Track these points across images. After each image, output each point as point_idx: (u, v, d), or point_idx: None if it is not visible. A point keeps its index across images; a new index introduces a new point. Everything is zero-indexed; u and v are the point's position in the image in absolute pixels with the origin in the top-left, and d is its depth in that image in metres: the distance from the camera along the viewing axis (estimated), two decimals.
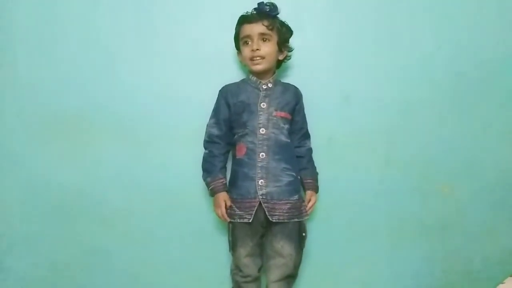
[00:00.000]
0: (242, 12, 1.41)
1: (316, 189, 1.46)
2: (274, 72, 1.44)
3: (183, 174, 1.52)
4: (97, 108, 1.52)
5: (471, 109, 1.59)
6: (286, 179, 1.36)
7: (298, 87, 1.47)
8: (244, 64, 1.46)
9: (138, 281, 1.56)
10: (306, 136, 1.48)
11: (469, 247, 1.60)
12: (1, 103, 1.52)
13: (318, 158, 1.51)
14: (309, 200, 1.43)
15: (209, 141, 1.43)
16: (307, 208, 1.41)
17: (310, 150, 1.49)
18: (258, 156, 1.35)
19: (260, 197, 1.33)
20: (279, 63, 1.46)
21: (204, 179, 1.41)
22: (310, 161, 1.48)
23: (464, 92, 1.58)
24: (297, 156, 1.46)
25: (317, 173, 1.49)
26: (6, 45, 1.51)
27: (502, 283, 1.61)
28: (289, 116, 1.41)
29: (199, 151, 1.45)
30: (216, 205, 1.38)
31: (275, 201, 1.34)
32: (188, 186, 1.51)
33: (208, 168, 1.41)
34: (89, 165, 1.53)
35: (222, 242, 1.48)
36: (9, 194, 1.53)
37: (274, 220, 1.34)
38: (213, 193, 1.39)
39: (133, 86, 1.53)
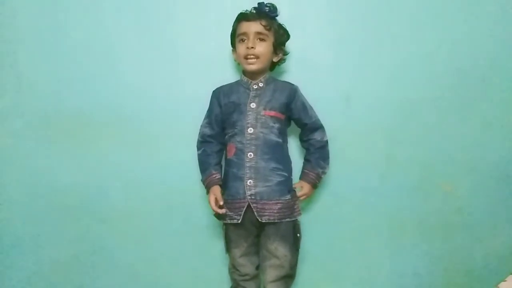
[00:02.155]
0: (242, 11, 1.41)
1: (311, 182, 1.42)
2: (266, 72, 1.43)
3: (184, 174, 1.53)
4: (99, 107, 1.54)
5: (472, 107, 1.56)
6: (276, 179, 1.35)
7: (298, 86, 1.44)
8: (238, 63, 1.45)
9: (139, 280, 1.58)
10: (313, 129, 1.44)
11: (470, 245, 1.59)
12: (3, 102, 1.54)
13: None
14: (301, 190, 1.41)
15: (202, 141, 1.44)
16: (298, 196, 1.39)
17: (318, 142, 1.43)
18: (246, 156, 1.35)
19: (249, 197, 1.33)
20: (272, 65, 1.44)
21: (201, 179, 1.42)
22: (315, 153, 1.43)
23: (465, 90, 1.56)
24: (305, 149, 1.46)
25: (320, 169, 1.43)
26: (8, 45, 1.53)
27: (504, 281, 1.59)
28: (280, 115, 1.39)
29: None
30: (208, 200, 1.37)
31: (265, 201, 1.33)
32: (189, 185, 1.52)
33: (204, 166, 1.42)
34: (91, 165, 1.55)
35: (221, 240, 1.47)
36: (11, 193, 1.55)
37: (263, 221, 1.33)
38: (208, 189, 1.39)
39: (135, 86, 1.54)
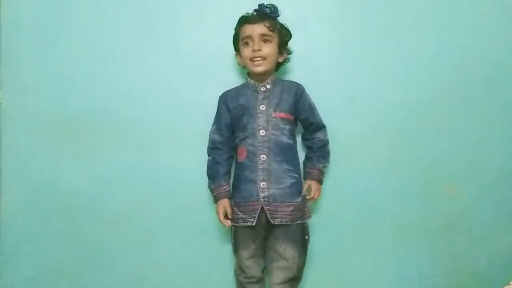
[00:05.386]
0: (244, 14, 1.41)
1: (316, 178, 1.43)
2: (272, 73, 1.43)
3: (187, 176, 1.53)
4: (101, 110, 1.54)
5: (475, 109, 1.58)
6: (288, 181, 1.35)
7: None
8: (242, 66, 1.46)
9: (142, 282, 1.56)
10: (317, 129, 1.45)
11: (474, 248, 1.59)
12: (6, 105, 1.53)
13: None
14: (310, 190, 1.42)
15: (212, 148, 1.44)
16: (310, 196, 1.41)
17: (320, 141, 1.45)
18: (259, 158, 1.35)
19: (262, 200, 1.33)
20: (278, 66, 1.45)
21: (209, 186, 1.43)
22: (317, 151, 1.44)
23: (467, 93, 1.57)
24: (307, 147, 1.47)
25: (322, 164, 1.44)
26: (11, 47, 1.53)
27: (508, 284, 1.59)
28: (290, 117, 1.40)
29: (202, 153, 1.46)
30: (216, 211, 1.39)
31: (278, 203, 1.33)
32: (192, 187, 1.52)
33: (212, 175, 1.42)
34: (94, 167, 1.54)
35: (225, 242, 1.48)
36: (14, 195, 1.54)
37: (276, 223, 1.33)
38: (216, 199, 1.40)
39: (137, 89, 1.54)
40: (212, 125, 1.45)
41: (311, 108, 1.44)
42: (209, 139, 1.44)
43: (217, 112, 1.45)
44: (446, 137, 1.57)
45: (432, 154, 1.57)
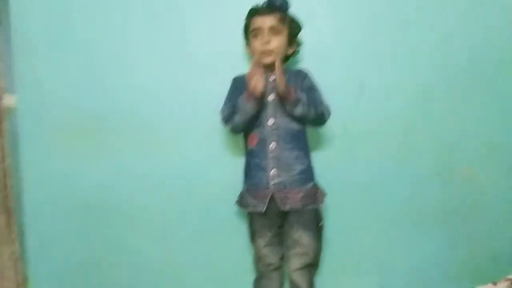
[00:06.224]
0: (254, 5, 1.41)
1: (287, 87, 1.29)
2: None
3: (202, 170, 1.54)
4: (117, 110, 1.55)
5: (490, 91, 1.56)
6: (298, 167, 1.35)
7: (312, 76, 1.43)
8: (252, 57, 1.45)
9: (163, 275, 1.58)
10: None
11: (493, 231, 1.58)
12: (25, 107, 1.55)
13: (334, 147, 1.53)
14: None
15: (228, 117, 1.37)
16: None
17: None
18: (269, 146, 1.35)
19: (272, 187, 1.34)
20: (287, 57, 1.44)
21: (243, 100, 1.33)
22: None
23: (482, 75, 1.56)
24: None
25: (301, 99, 1.32)
26: (24, 52, 1.54)
27: None
28: None
29: (217, 146, 1.50)
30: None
31: (288, 190, 1.34)
32: (208, 181, 1.54)
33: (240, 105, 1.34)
34: (113, 165, 1.56)
35: (243, 232, 1.49)
36: (38, 195, 1.56)
37: (286, 209, 1.34)
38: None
39: (151, 87, 1.55)
40: (224, 104, 1.40)
41: (312, 88, 1.39)
42: (221, 114, 1.39)
43: (229, 91, 1.42)
44: (460, 120, 1.56)
45: (446, 138, 1.57)
